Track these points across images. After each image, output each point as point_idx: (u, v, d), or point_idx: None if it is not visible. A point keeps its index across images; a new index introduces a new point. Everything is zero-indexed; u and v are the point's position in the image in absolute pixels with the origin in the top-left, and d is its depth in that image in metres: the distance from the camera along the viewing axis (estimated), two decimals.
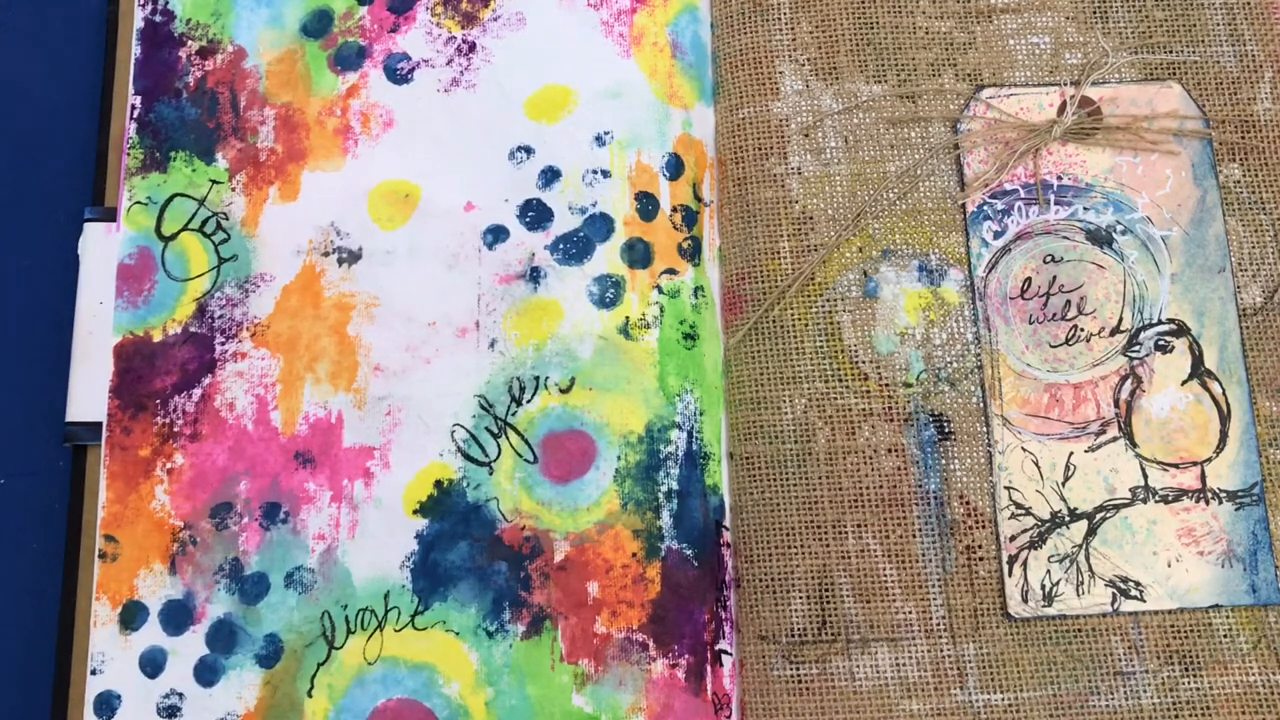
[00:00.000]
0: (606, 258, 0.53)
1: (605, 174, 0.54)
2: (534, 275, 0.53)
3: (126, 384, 0.52)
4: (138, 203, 0.54)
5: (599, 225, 0.53)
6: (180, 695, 0.50)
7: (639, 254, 0.53)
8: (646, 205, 0.53)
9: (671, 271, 0.53)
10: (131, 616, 0.50)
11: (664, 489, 0.50)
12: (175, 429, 0.52)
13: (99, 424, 0.52)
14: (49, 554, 0.52)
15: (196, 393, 0.52)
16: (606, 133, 0.54)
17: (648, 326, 0.52)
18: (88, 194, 0.55)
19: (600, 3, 0.55)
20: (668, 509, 0.50)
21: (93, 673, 0.50)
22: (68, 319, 0.53)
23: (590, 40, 0.55)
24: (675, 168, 0.54)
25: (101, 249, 0.54)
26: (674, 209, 0.53)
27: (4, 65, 0.57)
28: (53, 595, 0.52)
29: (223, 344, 0.53)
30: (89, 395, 0.53)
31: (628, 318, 0.52)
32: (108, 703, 0.50)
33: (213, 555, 0.51)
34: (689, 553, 0.50)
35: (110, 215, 0.54)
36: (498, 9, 0.56)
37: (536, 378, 0.51)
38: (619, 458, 0.51)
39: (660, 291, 0.52)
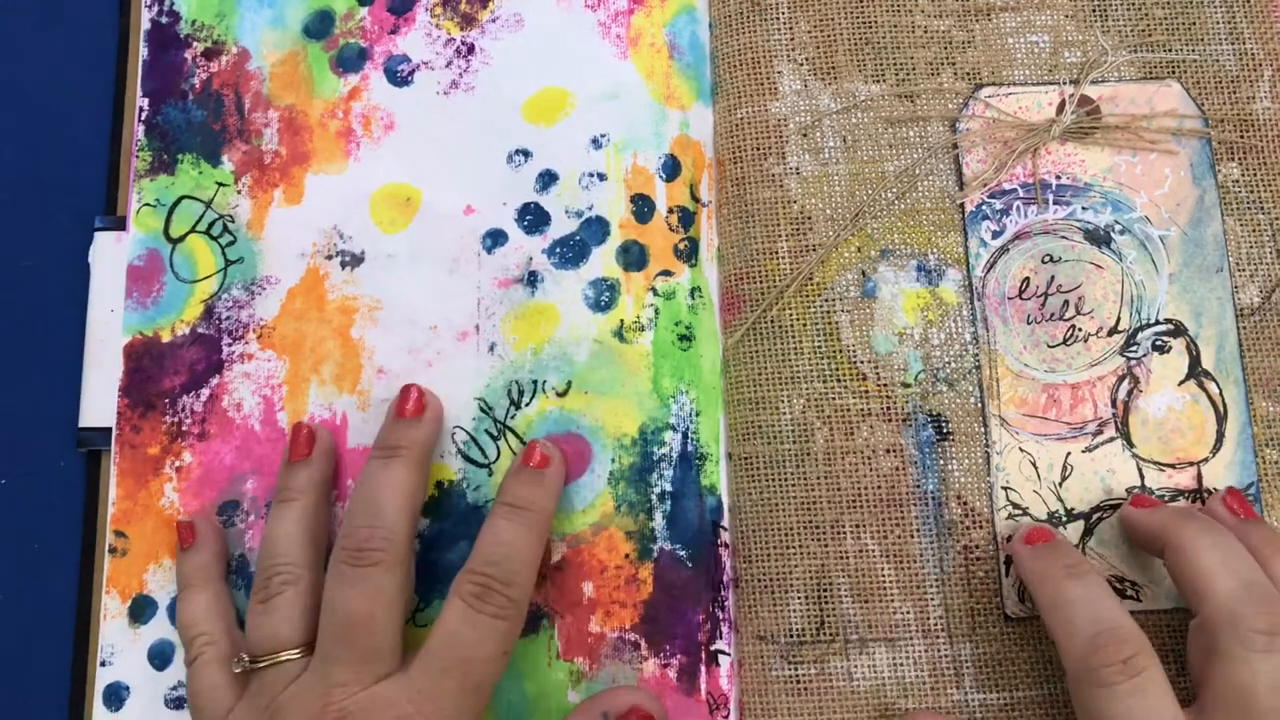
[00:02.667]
0: (602, 261, 0.53)
1: (601, 177, 0.54)
2: (531, 279, 0.53)
3: (136, 383, 0.53)
4: (146, 205, 0.55)
5: (594, 229, 0.53)
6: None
7: (634, 257, 0.53)
8: (642, 208, 0.53)
9: (667, 273, 0.53)
10: (140, 610, 0.51)
11: (657, 491, 0.51)
12: (184, 428, 0.53)
13: (110, 429, 0.53)
14: (65, 554, 0.53)
15: (204, 393, 0.53)
16: (603, 135, 0.54)
17: (642, 329, 0.52)
18: (99, 203, 0.56)
19: (598, 4, 0.55)
20: (660, 510, 0.51)
21: (102, 664, 0.51)
22: (81, 325, 0.54)
23: (587, 42, 0.55)
24: (672, 169, 0.54)
25: (112, 258, 0.55)
26: (670, 210, 0.53)
27: (17, 74, 0.58)
28: (69, 596, 0.53)
29: (230, 345, 0.53)
30: (101, 401, 0.54)
31: (622, 320, 0.52)
32: (117, 694, 0.51)
33: None
34: (682, 554, 0.50)
35: (121, 224, 0.55)
36: (496, 10, 0.56)
37: (534, 381, 0.52)
38: (613, 460, 0.51)
39: (655, 294, 0.52)
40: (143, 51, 0.56)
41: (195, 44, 0.56)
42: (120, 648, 0.51)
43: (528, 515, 0.47)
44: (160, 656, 0.51)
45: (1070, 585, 0.44)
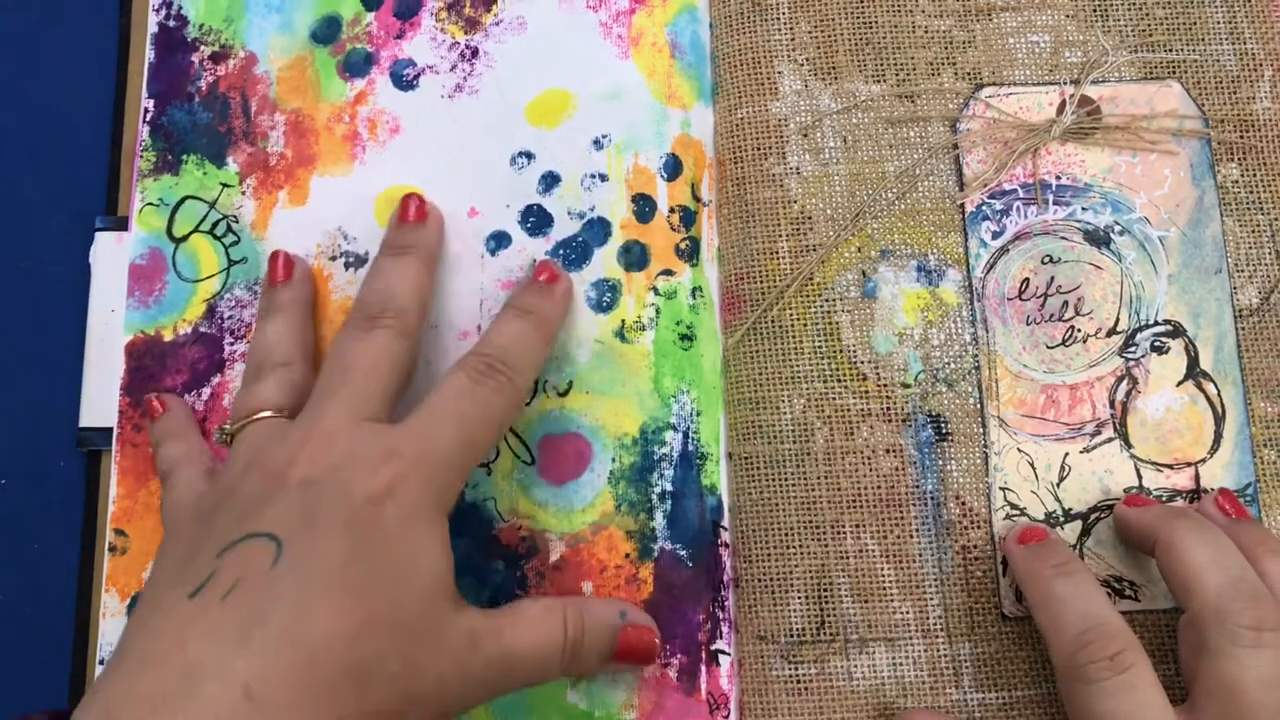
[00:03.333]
0: (604, 261, 0.53)
1: (602, 177, 0.54)
2: None
3: (137, 382, 0.53)
4: (149, 204, 0.55)
5: (597, 229, 0.53)
6: None
7: (635, 257, 0.53)
8: (643, 207, 0.53)
9: (668, 273, 0.53)
10: None
11: (657, 490, 0.51)
12: None
13: (111, 430, 0.53)
14: (65, 554, 0.53)
15: (206, 392, 0.53)
16: (605, 136, 0.54)
17: (643, 329, 0.52)
18: (100, 204, 0.56)
19: (599, 4, 0.56)
20: (661, 510, 0.51)
21: (101, 662, 0.51)
22: (82, 326, 0.55)
23: (589, 42, 0.55)
24: (673, 168, 0.54)
25: (113, 258, 0.55)
26: (672, 210, 0.54)
27: (17, 74, 0.58)
28: (69, 596, 0.53)
29: (231, 344, 0.54)
30: (101, 401, 0.54)
31: (624, 320, 0.52)
32: None
33: None
34: (682, 553, 0.50)
35: (123, 224, 0.55)
36: (500, 13, 0.56)
37: (536, 381, 0.52)
38: (613, 460, 0.51)
39: (656, 293, 0.53)
40: (149, 54, 0.57)
41: (203, 47, 0.57)
42: None
43: (535, 318, 0.49)
44: None
45: (1059, 583, 0.45)
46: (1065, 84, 0.53)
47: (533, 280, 0.51)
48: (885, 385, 0.51)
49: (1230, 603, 0.42)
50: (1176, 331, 0.51)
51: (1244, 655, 0.41)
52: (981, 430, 0.50)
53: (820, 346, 0.51)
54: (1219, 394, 0.50)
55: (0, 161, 0.58)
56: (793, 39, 0.54)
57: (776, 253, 0.52)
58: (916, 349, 0.51)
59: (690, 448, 0.51)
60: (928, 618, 0.49)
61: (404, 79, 0.56)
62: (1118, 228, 0.52)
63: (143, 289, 0.54)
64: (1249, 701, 0.40)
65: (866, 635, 0.49)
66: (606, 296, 0.53)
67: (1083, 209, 0.52)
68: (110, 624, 0.51)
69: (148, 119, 0.56)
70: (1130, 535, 0.48)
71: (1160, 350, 0.51)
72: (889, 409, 0.51)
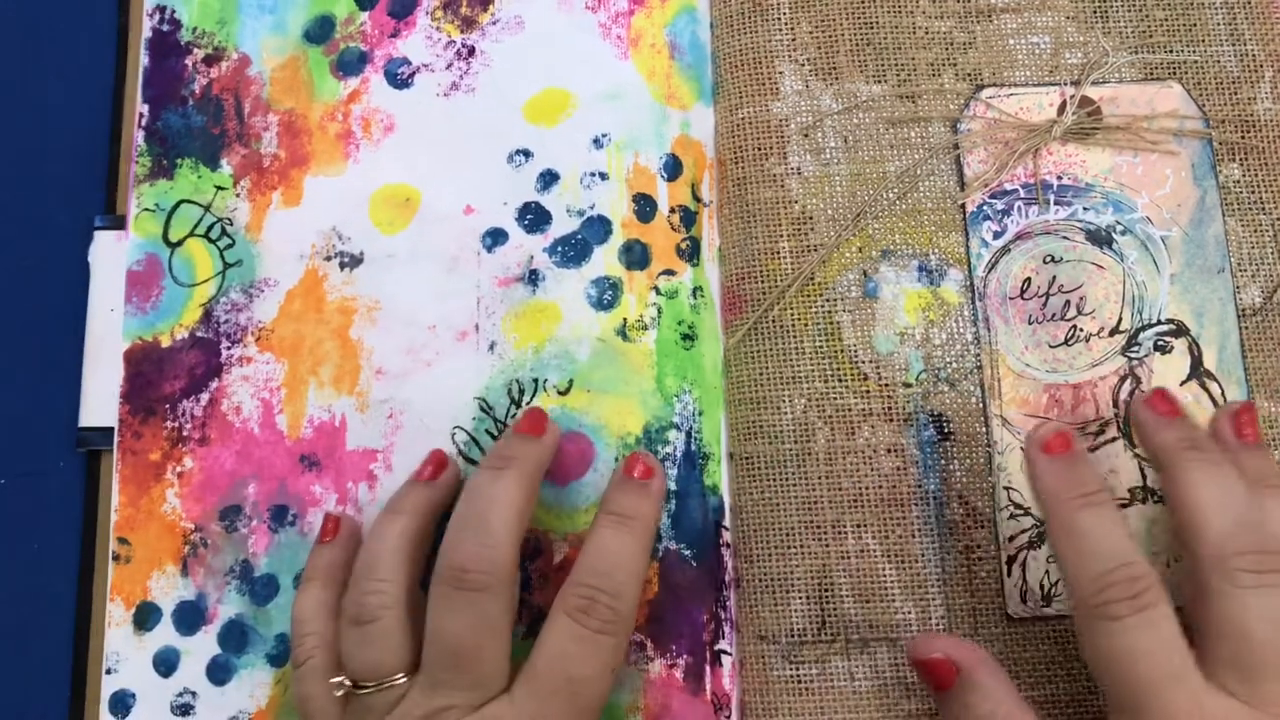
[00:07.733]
0: (604, 260, 0.53)
1: (603, 176, 0.54)
2: (532, 278, 0.53)
3: (136, 389, 0.53)
4: (145, 210, 0.55)
5: (597, 228, 0.53)
6: (193, 694, 0.51)
7: (636, 256, 0.53)
8: (644, 207, 0.53)
9: (669, 272, 0.53)
10: (145, 617, 0.51)
11: None
12: (184, 433, 0.53)
13: (111, 429, 0.53)
14: (65, 557, 0.53)
15: (204, 397, 0.53)
16: (604, 135, 0.54)
17: (645, 328, 0.52)
18: (99, 202, 0.56)
19: (598, 5, 0.56)
20: (666, 510, 0.51)
21: (108, 672, 0.51)
22: (81, 326, 0.54)
23: (588, 43, 0.55)
24: (673, 168, 0.54)
25: (112, 257, 0.55)
26: (672, 210, 0.53)
27: (17, 74, 0.58)
28: (69, 598, 0.53)
29: (228, 348, 0.53)
30: (101, 401, 0.53)
31: (625, 319, 0.52)
32: (123, 701, 0.51)
33: (223, 557, 0.52)
34: (687, 553, 0.50)
35: (121, 223, 0.55)
36: (496, 13, 0.56)
37: (535, 380, 0.52)
38: (616, 459, 0.51)
39: (658, 293, 0.53)
40: (143, 60, 0.56)
41: (196, 50, 0.56)
42: (125, 655, 0.51)
43: (634, 525, 0.47)
44: (165, 663, 0.51)
45: (1085, 515, 0.43)
46: (1066, 85, 0.53)
47: (625, 476, 0.48)
48: (887, 385, 0.51)
49: (1232, 545, 0.41)
50: (1180, 331, 0.51)
51: (1247, 596, 0.40)
52: (984, 430, 0.50)
53: (821, 346, 0.51)
54: (1223, 393, 0.50)
55: None
56: (794, 39, 0.54)
57: (777, 253, 0.52)
58: (918, 349, 0.51)
59: (693, 447, 0.51)
60: (930, 618, 0.49)
61: (398, 77, 0.56)
62: (1119, 227, 0.52)
63: (140, 295, 0.54)
64: (1259, 640, 0.40)
65: (868, 635, 0.49)
66: (607, 295, 0.53)
67: (1084, 209, 0.52)
68: (116, 634, 0.51)
69: (143, 124, 0.56)
70: (1143, 444, 0.47)
71: (1163, 349, 0.51)
72: (890, 409, 0.51)
